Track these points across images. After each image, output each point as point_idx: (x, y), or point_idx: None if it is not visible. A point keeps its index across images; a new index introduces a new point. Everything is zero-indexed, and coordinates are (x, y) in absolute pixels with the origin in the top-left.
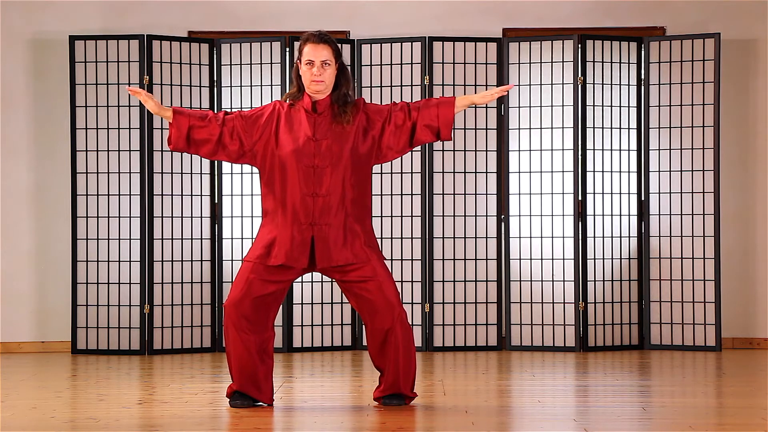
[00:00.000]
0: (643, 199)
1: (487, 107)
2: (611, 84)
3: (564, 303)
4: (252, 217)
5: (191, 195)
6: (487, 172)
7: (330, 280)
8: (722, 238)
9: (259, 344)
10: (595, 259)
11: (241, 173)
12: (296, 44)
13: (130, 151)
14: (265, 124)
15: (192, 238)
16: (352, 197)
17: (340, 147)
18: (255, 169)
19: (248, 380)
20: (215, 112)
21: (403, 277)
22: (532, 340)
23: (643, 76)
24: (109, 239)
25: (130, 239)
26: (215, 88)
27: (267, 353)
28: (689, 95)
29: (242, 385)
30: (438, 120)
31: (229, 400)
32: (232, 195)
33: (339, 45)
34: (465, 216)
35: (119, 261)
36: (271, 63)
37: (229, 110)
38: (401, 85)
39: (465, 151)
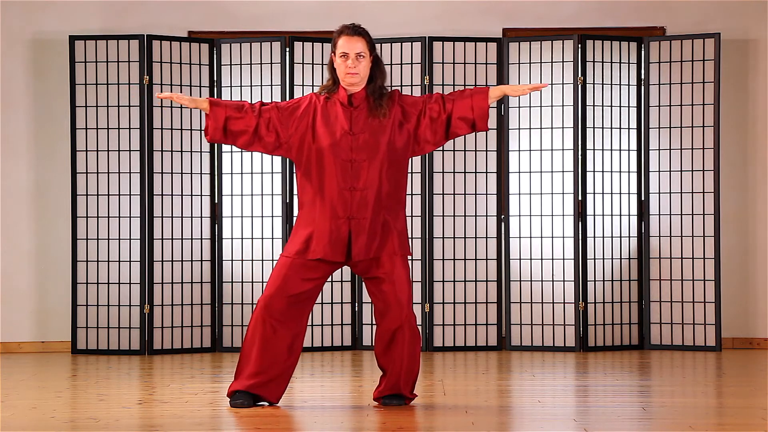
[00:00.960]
0: (643, 199)
1: None
2: (611, 84)
3: (564, 303)
4: (252, 217)
5: (191, 195)
6: (487, 172)
7: (330, 280)
8: (722, 238)
9: (290, 339)
10: (595, 259)
11: (241, 173)
12: (296, 44)
13: (130, 151)
14: (301, 116)
15: (192, 238)
16: (388, 191)
17: (376, 140)
18: (255, 170)
19: (265, 375)
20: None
21: None
22: (532, 340)
23: (643, 76)
24: (109, 239)
25: (130, 239)
26: (215, 88)
27: (295, 348)
28: (689, 95)
29: (256, 380)
30: (473, 112)
31: (229, 399)
32: (232, 195)
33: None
34: (465, 216)
35: (119, 261)
36: (271, 63)
37: (265, 101)
38: (401, 85)
39: (465, 151)
